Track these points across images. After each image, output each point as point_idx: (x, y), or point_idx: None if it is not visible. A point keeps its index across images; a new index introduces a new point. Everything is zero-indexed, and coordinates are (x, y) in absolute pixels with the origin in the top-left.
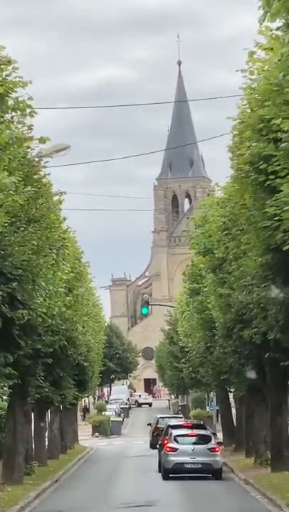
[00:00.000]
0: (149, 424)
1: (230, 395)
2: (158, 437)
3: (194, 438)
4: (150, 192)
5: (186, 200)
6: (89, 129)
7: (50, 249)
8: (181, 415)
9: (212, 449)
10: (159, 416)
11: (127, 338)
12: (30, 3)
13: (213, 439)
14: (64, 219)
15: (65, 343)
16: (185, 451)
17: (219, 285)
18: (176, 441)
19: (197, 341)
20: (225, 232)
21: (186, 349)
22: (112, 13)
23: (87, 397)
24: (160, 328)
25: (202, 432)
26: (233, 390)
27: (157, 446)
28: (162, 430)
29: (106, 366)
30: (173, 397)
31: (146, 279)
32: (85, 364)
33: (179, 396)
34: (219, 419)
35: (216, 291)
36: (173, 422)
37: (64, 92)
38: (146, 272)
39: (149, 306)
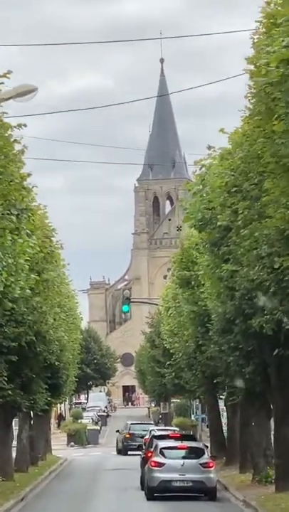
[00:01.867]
0: (118, 431)
1: (220, 402)
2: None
3: (184, 451)
4: (129, 199)
5: (168, 202)
6: (67, 138)
7: (9, 210)
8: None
9: (205, 465)
10: (130, 422)
11: (106, 343)
12: (8, 11)
13: (206, 453)
14: (28, 175)
15: (33, 338)
16: (173, 466)
17: (220, 264)
18: (163, 455)
19: (185, 340)
20: (234, 189)
21: (170, 351)
22: (92, 21)
23: (61, 403)
24: (141, 330)
25: (193, 444)
26: (223, 395)
27: (140, 458)
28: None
29: (83, 372)
30: (153, 404)
31: (125, 282)
32: (58, 365)
33: (161, 403)
34: (204, 429)
35: (215, 274)
36: (159, 432)
37: (42, 101)
38: (126, 276)
39: (130, 305)
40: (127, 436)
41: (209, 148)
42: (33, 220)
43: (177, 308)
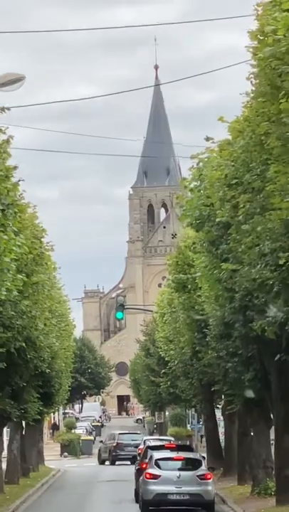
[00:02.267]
0: (101, 441)
1: (217, 411)
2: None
3: (180, 462)
4: (124, 209)
5: (162, 209)
6: (60, 148)
7: None
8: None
9: (202, 476)
10: (118, 432)
11: (100, 352)
12: (2, 21)
13: (203, 464)
14: (15, 167)
15: (23, 344)
16: (169, 478)
17: (218, 265)
18: (158, 467)
19: (181, 347)
20: (234, 181)
21: (165, 359)
22: (85, 32)
23: (54, 412)
24: (135, 338)
25: (190, 455)
26: (220, 404)
27: (134, 469)
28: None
29: (77, 381)
30: (148, 414)
31: (120, 290)
32: (50, 373)
33: (156, 413)
34: (200, 439)
35: (213, 275)
36: (154, 442)
37: (36, 111)
38: (121, 284)
39: (125, 314)
40: (115, 445)
41: (207, 139)
42: (21, 218)
43: (172, 314)
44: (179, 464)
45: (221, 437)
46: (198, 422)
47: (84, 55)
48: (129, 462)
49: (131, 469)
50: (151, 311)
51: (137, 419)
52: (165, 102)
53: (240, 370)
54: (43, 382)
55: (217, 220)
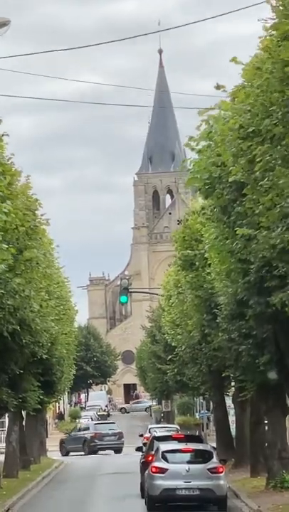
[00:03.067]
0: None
1: (227, 399)
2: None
3: (189, 454)
4: (128, 197)
5: (168, 196)
6: (64, 137)
7: None
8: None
9: (214, 470)
10: (94, 423)
11: (106, 340)
12: (6, 12)
13: (214, 456)
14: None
15: (17, 327)
16: (177, 472)
17: (230, 235)
18: (166, 460)
19: (189, 330)
20: (251, 129)
21: (172, 344)
22: (89, 21)
23: (56, 401)
24: (141, 325)
25: (200, 446)
26: (230, 391)
27: (139, 461)
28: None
29: (83, 370)
30: (155, 403)
31: (126, 278)
32: (50, 360)
33: (163, 402)
34: (209, 428)
35: (225, 246)
36: (159, 431)
37: (40, 101)
38: (126, 271)
39: (130, 297)
40: (93, 436)
41: (218, 87)
42: (9, 183)
43: (179, 296)
44: (187, 456)
45: (232, 426)
46: (208, 410)
47: (87, 45)
48: (112, 452)
49: (134, 459)
50: (157, 294)
51: (146, 408)
52: (169, 85)
53: (253, 353)
54: (43, 370)
55: (230, 180)
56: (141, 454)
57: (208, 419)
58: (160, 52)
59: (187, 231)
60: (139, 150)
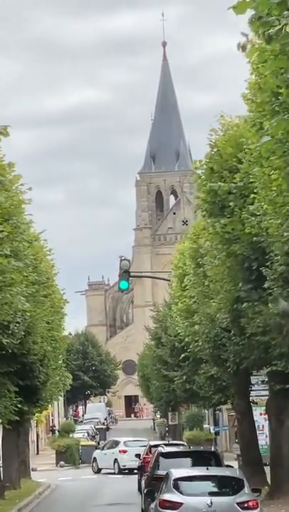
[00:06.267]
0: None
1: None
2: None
3: (212, 483)
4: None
5: (172, 196)
6: (63, 151)
7: None
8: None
9: (246, 505)
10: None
11: (106, 349)
12: (5, 25)
13: (246, 485)
14: None
15: None
16: (196, 508)
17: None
18: (179, 490)
19: (211, 315)
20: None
21: (181, 345)
22: (88, 35)
23: (40, 412)
24: (144, 325)
25: (226, 472)
26: (259, 398)
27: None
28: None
29: (80, 380)
30: (158, 416)
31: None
32: (28, 356)
33: (169, 414)
34: (218, 444)
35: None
36: (168, 448)
37: (40, 115)
38: None
39: (130, 284)
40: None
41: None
42: None
43: (198, 270)
44: (209, 485)
45: (261, 442)
46: (215, 424)
47: (86, 59)
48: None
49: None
50: (165, 279)
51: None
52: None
53: None
54: (21, 372)
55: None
56: (142, 477)
57: (217, 433)
58: (164, 44)
59: (217, 158)
60: (139, 161)
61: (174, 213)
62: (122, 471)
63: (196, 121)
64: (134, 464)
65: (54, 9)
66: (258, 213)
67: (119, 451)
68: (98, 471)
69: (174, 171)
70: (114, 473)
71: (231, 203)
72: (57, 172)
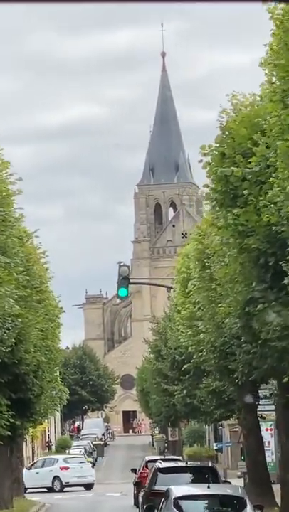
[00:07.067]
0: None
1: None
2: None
3: (212, 502)
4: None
5: (171, 209)
6: (61, 167)
7: None
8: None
9: None
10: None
11: (104, 363)
12: (4, 41)
13: (248, 505)
14: None
15: None
16: None
17: None
18: (180, 509)
19: (218, 321)
20: None
21: (188, 349)
22: (87, 51)
23: (34, 427)
24: (144, 338)
25: (227, 490)
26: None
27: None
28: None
29: (78, 395)
30: (157, 431)
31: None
32: (19, 366)
33: (168, 429)
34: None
35: None
36: (165, 464)
37: (39, 130)
38: None
39: (129, 292)
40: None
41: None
42: None
43: (203, 273)
44: (210, 504)
45: (267, 459)
46: (216, 440)
47: (85, 74)
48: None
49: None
50: (167, 286)
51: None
52: (172, 91)
53: None
54: (13, 383)
55: None
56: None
57: (219, 450)
58: (163, 55)
59: (228, 141)
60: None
61: (174, 226)
62: (63, 489)
63: (196, 134)
64: (77, 480)
65: (53, 25)
66: (278, 199)
67: (60, 468)
68: (24, 490)
69: (173, 183)
70: (55, 491)
71: (245, 191)
72: (56, 187)
